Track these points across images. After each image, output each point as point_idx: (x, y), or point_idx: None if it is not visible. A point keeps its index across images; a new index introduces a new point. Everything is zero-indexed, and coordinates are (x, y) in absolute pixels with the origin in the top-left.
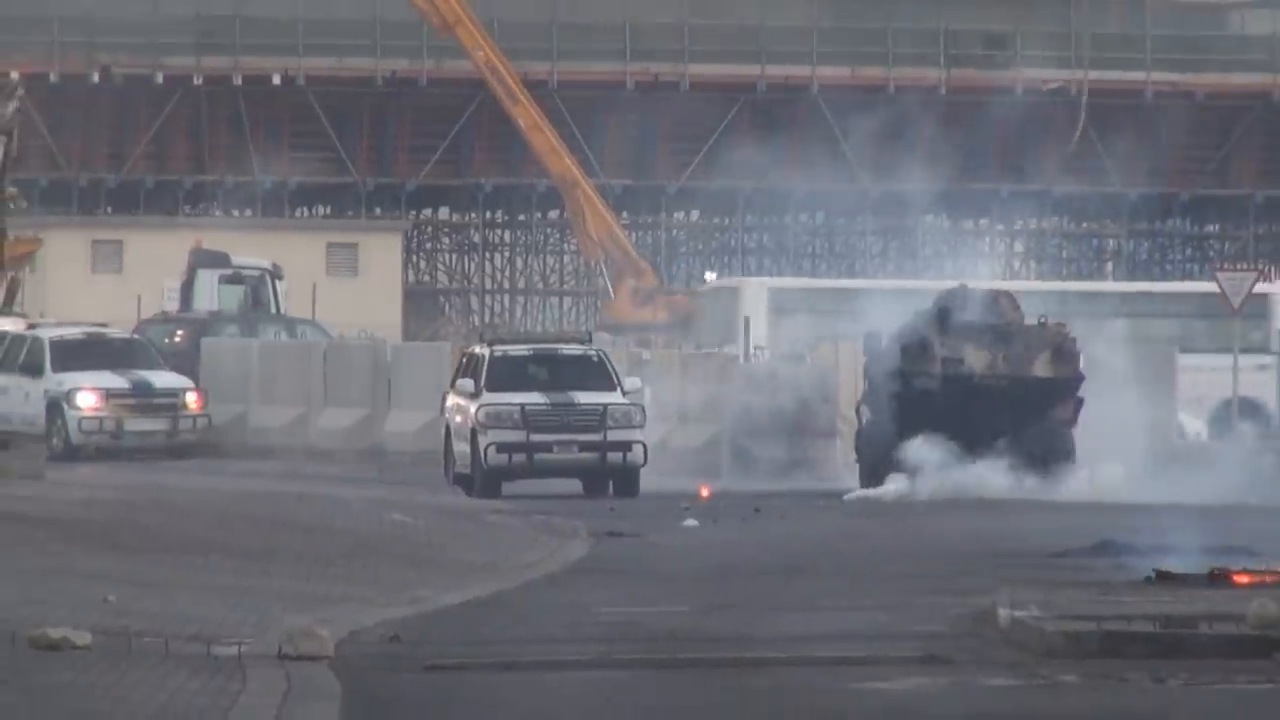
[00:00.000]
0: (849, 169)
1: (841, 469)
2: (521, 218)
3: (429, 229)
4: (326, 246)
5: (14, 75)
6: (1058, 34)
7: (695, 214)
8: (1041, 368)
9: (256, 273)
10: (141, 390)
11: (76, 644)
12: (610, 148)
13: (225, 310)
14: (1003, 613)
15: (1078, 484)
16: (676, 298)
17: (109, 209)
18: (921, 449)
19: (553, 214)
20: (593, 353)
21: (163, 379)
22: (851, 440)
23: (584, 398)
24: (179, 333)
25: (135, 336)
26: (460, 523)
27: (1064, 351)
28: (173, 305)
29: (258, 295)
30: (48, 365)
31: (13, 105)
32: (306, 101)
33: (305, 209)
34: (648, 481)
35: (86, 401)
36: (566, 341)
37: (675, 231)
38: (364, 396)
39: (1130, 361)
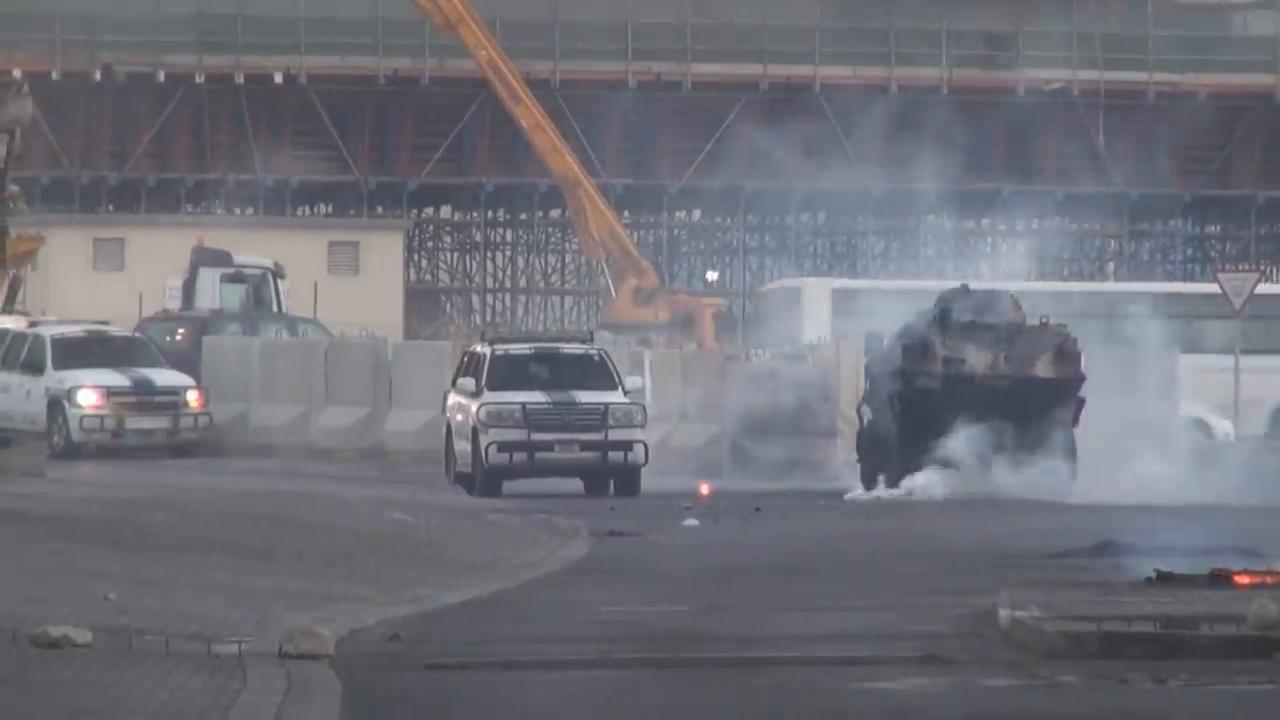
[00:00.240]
0: (851, 168)
1: (842, 469)
2: (523, 217)
3: (431, 228)
4: (328, 245)
5: (16, 73)
6: (1060, 34)
7: (697, 213)
8: (1043, 368)
9: (258, 271)
10: (142, 388)
11: (77, 642)
12: (612, 147)
13: (227, 309)
14: (1003, 613)
15: (1123, 484)
16: (678, 297)
17: (111, 207)
18: (923, 449)
19: (554, 213)
20: (594, 352)
21: (164, 377)
22: (852, 440)
23: (585, 397)
24: (180, 331)
25: (136, 335)
26: (461, 521)
27: (1065, 352)
28: (174, 303)
29: (259, 294)
30: (49, 363)
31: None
32: (308, 100)
33: (307, 208)
34: (648, 481)
35: (88, 399)
36: (568, 341)
37: (677, 231)
38: (365, 395)
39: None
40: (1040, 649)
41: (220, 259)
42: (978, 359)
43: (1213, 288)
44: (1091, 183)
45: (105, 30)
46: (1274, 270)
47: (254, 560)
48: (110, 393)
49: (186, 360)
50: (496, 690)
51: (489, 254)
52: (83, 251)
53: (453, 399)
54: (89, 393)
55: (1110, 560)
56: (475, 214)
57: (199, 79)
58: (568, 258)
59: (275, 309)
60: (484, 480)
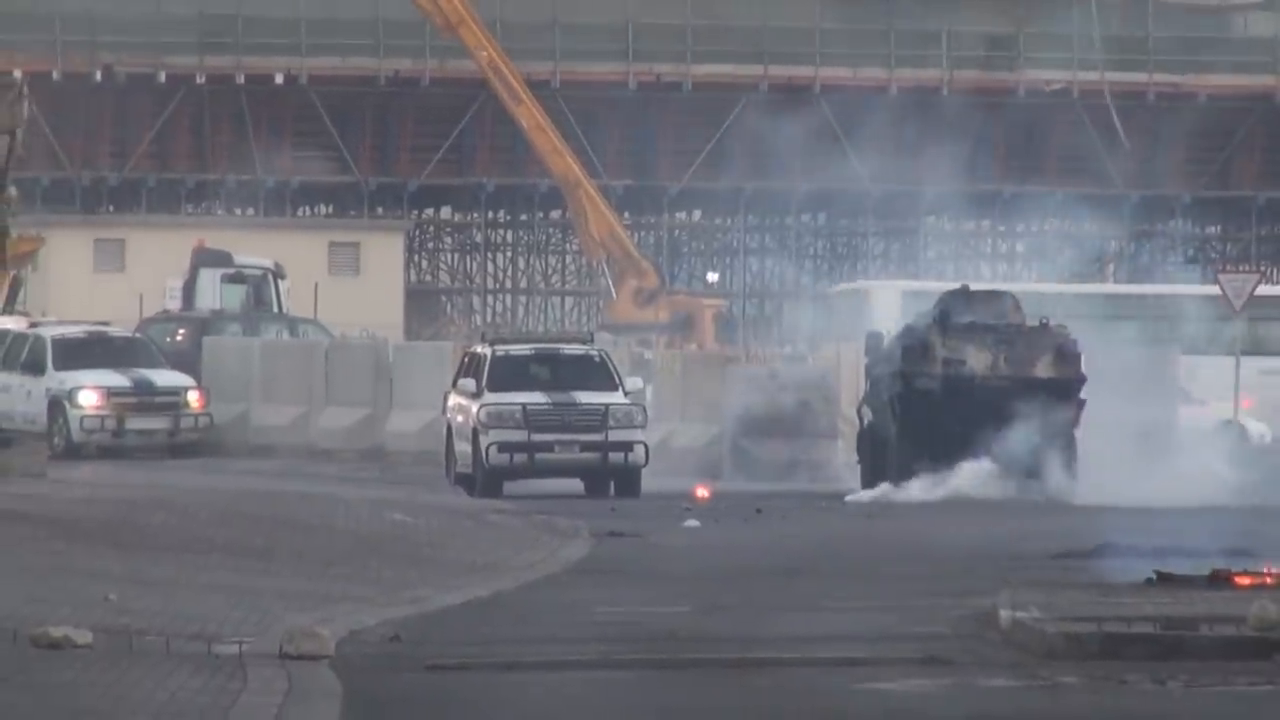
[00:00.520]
0: (851, 170)
1: (843, 470)
2: (524, 218)
3: (431, 228)
4: (329, 246)
5: (17, 74)
6: (1060, 35)
7: (697, 214)
8: (1043, 369)
9: (259, 272)
10: (143, 389)
11: (77, 642)
12: (612, 148)
13: (227, 309)
14: (1004, 614)
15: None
16: (679, 298)
17: (111, 208)
18: (923, 450)
19: (555, 214)
20: (594, 353)
21: (164, 378)
22: (853, 441)
23: (586, 398)
24: (181, 331)
25: (137, 335)
26: (461, 522)
27: (1065, 353)
28: (175, 304)
29: (260, 294)
30: (49, 364)
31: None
32: (309, 101)
33: (307, 208)
34: (649, 482)
35: (88, 400)
36: (568, 341)
37: (677, 232)
38: (365, 396)
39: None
40: (1041, 650)
41: (221, 259)
42: (978, 360)
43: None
44: (1092, 184)
45: (106, 31)
46: (1274, 271)
47: (254, 561)
48: (111, 393)
49: (187, 361)
50: (497, 691)
51: (489, 255)
52: (83, 252)
53: (453, 400)
54: (89, 393)
55: (1110, 561)
56: (476, 215)
57: (200, 79)
58: (568, 258)
59: (276, 309)
60: (484, 481)
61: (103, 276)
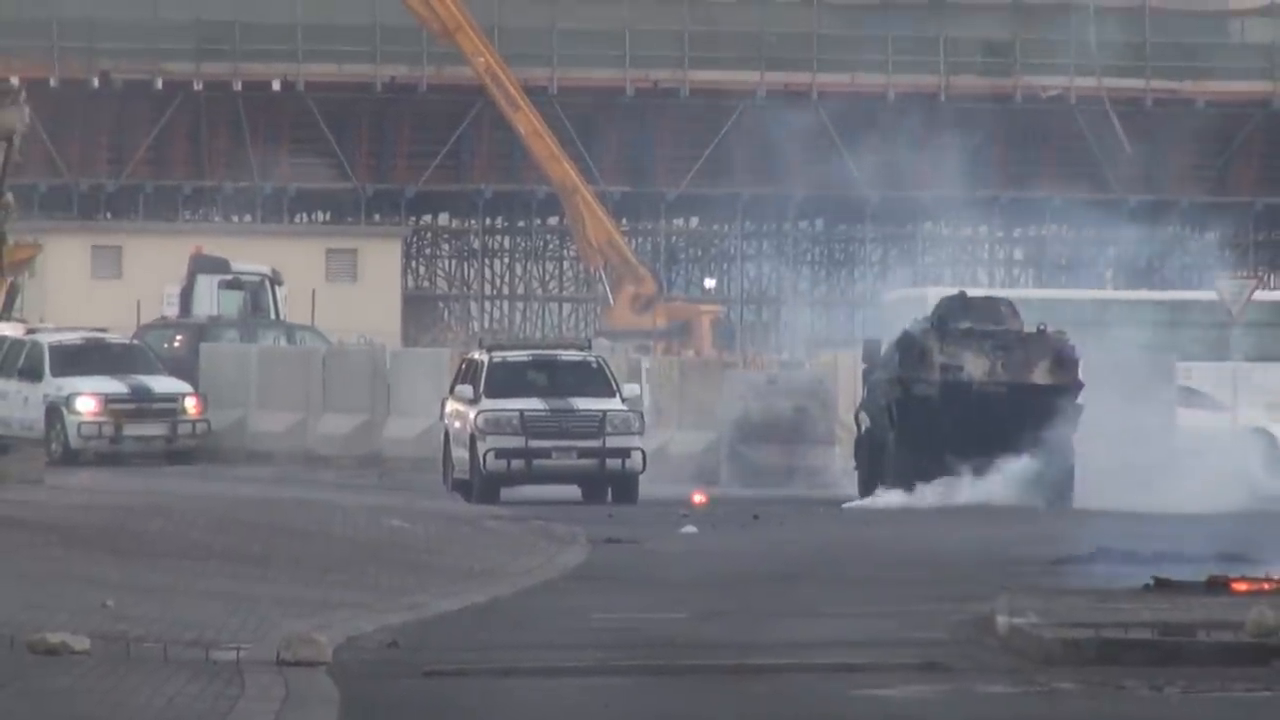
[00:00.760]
0: (849, 176)
1: (840, 476)
2: (521, 224)
3: (428, 235)
4: (326, 252)
5: (14, 80)
6: (1058, 41)
7: (694, 220)
8: (1041, 375)
9: (256, 278)
10: (140, 395)
11: (75, 649)
12: (609, 154)
13: (224, 316)
14: (1001, 620)
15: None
16: (676, 304)
17: (108, 214)
18: (921, 456)
19: (552, 220)
20: (592, 359)
21: (162, 384)
22: (850, 447)
23: (583, 404)
24: (178, 338)
25: (134, 342)
26: (459, 528)
27: (1063, 359)
28: (172, 310)
29: (257, 301)
30: (47, 370)
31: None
32: (306, 107)
33: (305, 215)
34: (646, 488)
35: (86, 406)
36: (566, 348)
37: (674, 238)
38: (363, 402)
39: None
40: (1038, 656)
41: (218, 266)
42: (975, 366)
43: (1274, 295)
44: (1089, 189)
45: (104, 37)
46: (1271, 277)
47: (252, 567)
48: (108, 400)
49: (184, 367)
50: (494, 697)
51: (487, 261)
52: (81, 259)
53: (450, 406)
54: (87, 400)
55: (1108, 567)
56: (473, 221)
57: (197, 86)
58: (565, 265)
59: (273, 316)
60: (482, 487)
61: (100, 283)
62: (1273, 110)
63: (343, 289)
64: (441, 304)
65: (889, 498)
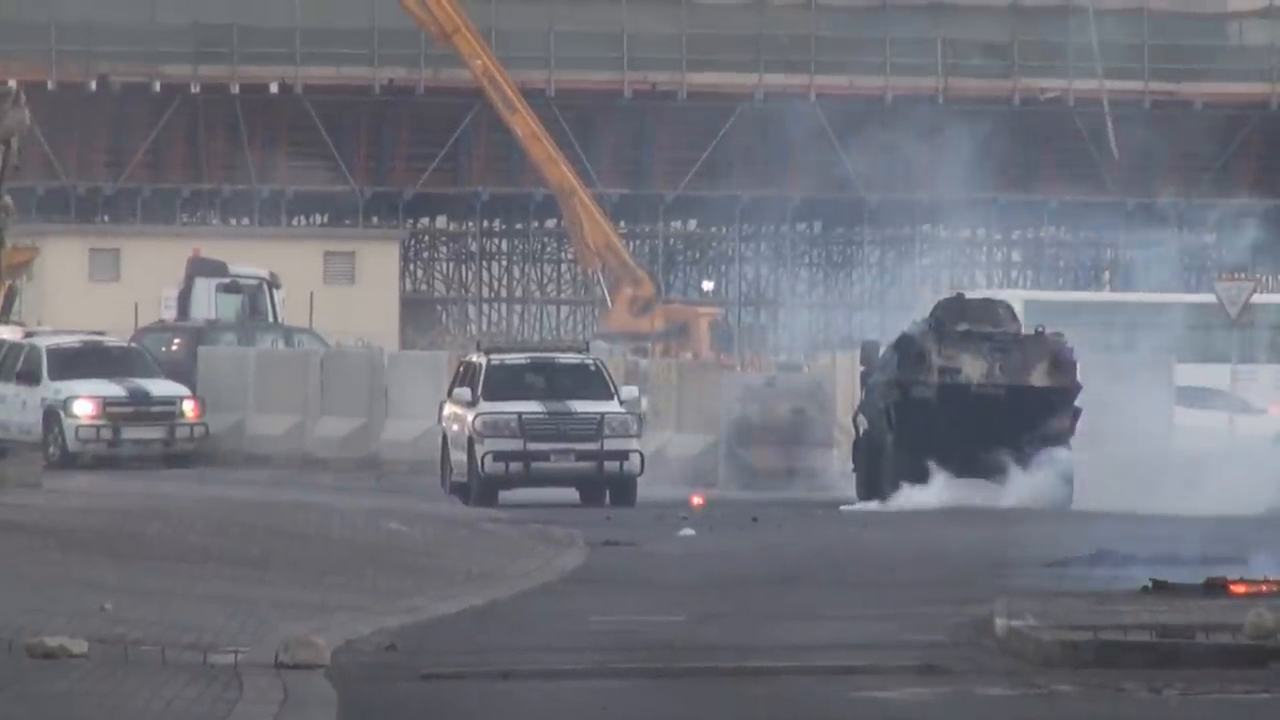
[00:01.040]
0: (846, 178)
1: (838, 478)
2: (519, 226)
3: (426, 238)
4: (324, 255)
5: (12, 83)
6: (1056, 43)
7: (692, 223)
8: (1039, 377)
9: (254, 281)
10: (138, 399)
11: (73, 652)
12: (607, 156)
13: (222, 319)
14: (1000, 622)
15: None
16: (674, 307)
17: (106, 217)
18: (919, 458)
19: (550, 223)
20: (590, 362)
21: (160, 387)
22: (848, 449)
23: (581, 407)
24: (176, 341)
25: (132, 345)
26: (457, 531)
27: (1061, 361)
28: (170, 314)
29: (255, 304)
30: (45, 373)
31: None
32: (304, 110)
33: (302, 218)
34: (644, 491)
35: (83, 410)
36: (563, 351)
37: (672, 240)
38: (361, 405)
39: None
40: (1037, 658)
41: (216, 269)
42: (973, 368)
43: None
44: (1088, 192)
45: (101, 40)
46: (1270, 279)
47: (250, 570)
48: (106, 403)
49: (182, 370)
50: (492, 700)
51: (485, 264)
52: (78, 262)
53: (449, 409)
54: (85, 403)
55: (1107, 569)
56: (471, 224)
57: (195, 89)
58: (563, 267)
59: (271, 319)
60: (480, 490)
61: (98, 286)
62: (1271, 112)
63: (341, 292)
64: (439, 307)
65: (887, 500)
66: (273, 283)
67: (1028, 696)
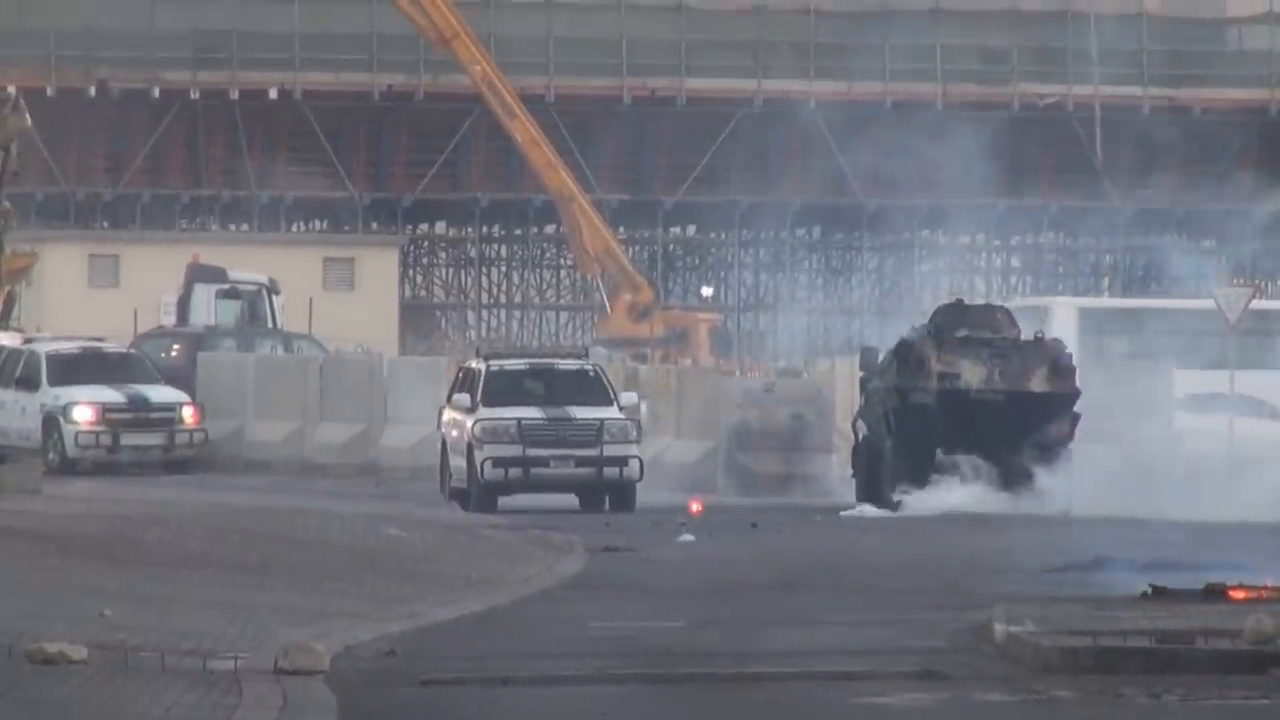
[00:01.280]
0: (845, 183)
1: (838, 484)
2: (518, 232)
3: (425, 243)
4: (323, 261)
5: (11, 89)
6: (1055, 49)
7: (692, 229)
8: (1038, 383)
9: (253, 287)
10: (138, 405)
11: (72, 658)
12: (607, 162)
13: (222, 325)
14: (999, 628)
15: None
16: (673, 313)
17: (106, 223)
18: (918, 464)
19: (549, 228)
20: (589, 368)
21: (159, 393)
22: (848, 455)
23: (580, 413)
24: (175, 347)
25: (132, 351)
26: (456, 537)
27: (1060, 367)
28: (169, 320)
29: (254, 310)
30: (44, 379)
31: (12, 119)
32: (303, 116)
33: (302, 223)
34: (644, 496)
35: (83, 416)
36: (563, 356)
37: (672, 246)
38: (360, 411)
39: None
40: (1036, 664)
41: (215, 275)
42: (972, 374)
43: None
44: (1086, 197)
45: (101, 46)
46: (1269, 285)
47: (249, 576)
48: (105, 409)
49: (182, 376)
50: (491, 706)
51: (484, 269)
52: (78, 267)
53: (448, 415)
54: (84, 409)
55: (1106, 575)
56: (470, 229)
57: (194, 95)
58: (563, 273)
59: (270, 325)
60: (479, 496)
61: (97, 292)
62: (1270, 117)
63: (340, 298)
64: (439, 312)
65: (886, 506)
66: (272, 289)
67: (1027, 702)
